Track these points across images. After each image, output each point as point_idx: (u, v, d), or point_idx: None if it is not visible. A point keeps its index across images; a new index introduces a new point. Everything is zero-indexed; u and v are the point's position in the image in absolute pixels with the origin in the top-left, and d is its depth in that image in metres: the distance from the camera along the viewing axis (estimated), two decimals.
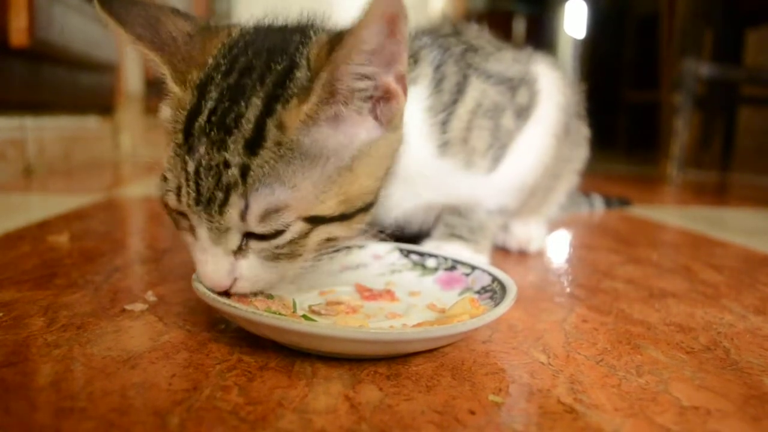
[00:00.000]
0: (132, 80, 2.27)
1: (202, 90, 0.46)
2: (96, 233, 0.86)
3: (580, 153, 0.90)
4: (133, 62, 2.28)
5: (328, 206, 0.46)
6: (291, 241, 0.46)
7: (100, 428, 0.33)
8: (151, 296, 0.56)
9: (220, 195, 0.43)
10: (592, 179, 1.01)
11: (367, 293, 0.55)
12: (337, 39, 0.44)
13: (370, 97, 0.47)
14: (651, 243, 0.99)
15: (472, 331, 0.43)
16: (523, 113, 0.71)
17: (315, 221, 0.46)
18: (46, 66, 1.54)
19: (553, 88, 0.76)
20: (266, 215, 0.44)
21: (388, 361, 0.43)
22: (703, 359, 0.46)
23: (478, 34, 0.75)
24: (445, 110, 0.64)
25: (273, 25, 0.53)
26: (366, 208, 0.49)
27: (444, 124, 0.64)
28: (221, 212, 0.44)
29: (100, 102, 2.00)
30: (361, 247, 0.62)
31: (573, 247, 0.95)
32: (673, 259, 0.85)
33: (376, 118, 0.48)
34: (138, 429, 0.33)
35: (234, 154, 0.43)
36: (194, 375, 0.40)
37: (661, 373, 0.43)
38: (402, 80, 0.48)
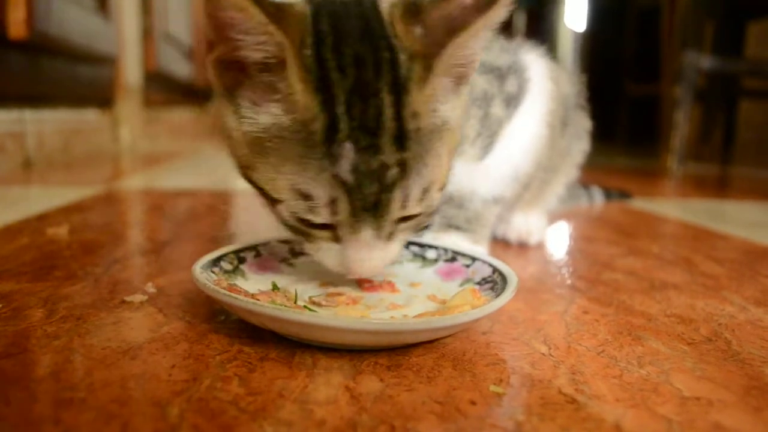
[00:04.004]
0: (131, 73, 2.27)
1: (323, 90, 0.42)
2: (95, 225, 0.86)
3: (581, 146, 0.90)
4: (132, 55, 2.27)
5: (447, 167, 0.49)
6: (429, 213, 0.49)
7: (99, 419, 0.33)
8: (150, 288, 0.56)
9: (384, 196, 0.44)
10: (592, 172, 1.01)
11: (367, 284, 0.55)
12: (415, 8, 0.44)
13: (463, 76, 0.48)
14: (651, 235, 0.99)
15: (472, 321, 0.43)
16: (512, 101, 0.71)
17: (441, 189, 0.49)
18: (45, 58, 1.54)
19: (543, 77, 0.75)
20: (421, 198, 0.46)
21: (388, 351, 0.43)
22: (704, 350, 0.46)
23: None
24: None
25: None
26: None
27: None
28: (386, 211, 0.44)
29: (100, 95, 1.99)
30: None
31: (573, 239, 0.94)
32: (673, 252, 0.84)
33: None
34: (138, 419, 0.33)
35: (390, 155, 0.43)
36: (194, 366, 0.40)
37: (662, 364, 0.43)
38: (474, 67, 0.48)
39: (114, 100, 2.11)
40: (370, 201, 0.43)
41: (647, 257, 0.79)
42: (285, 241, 0.59)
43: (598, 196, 1.29)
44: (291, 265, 0.58)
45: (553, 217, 1.00)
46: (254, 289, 0.50)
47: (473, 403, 0.36)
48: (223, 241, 0.79)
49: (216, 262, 0.51)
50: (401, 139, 0.43)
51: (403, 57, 0.43)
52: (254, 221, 0.98)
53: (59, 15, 1.52)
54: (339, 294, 0.52)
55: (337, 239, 0.47)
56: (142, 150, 2.14)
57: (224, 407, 0.34)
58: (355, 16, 0.46)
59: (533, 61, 0.76)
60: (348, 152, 0.42)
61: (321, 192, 0.43)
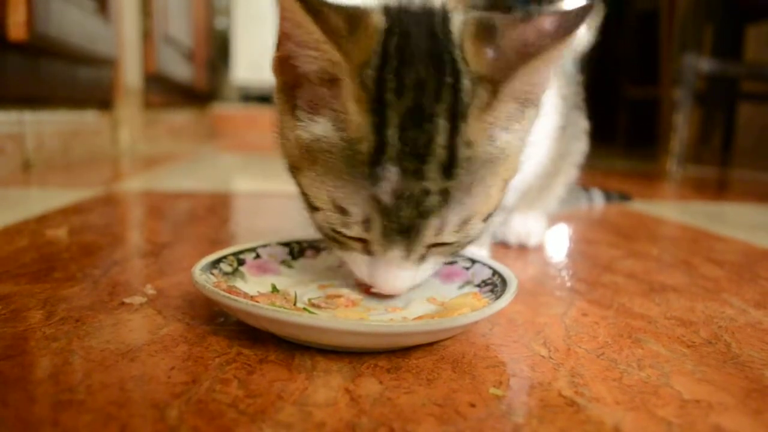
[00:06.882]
0: (131, 75, 2.26)
1: (376, 112, 0.42)
2: (95, 227, 0.86)
3: (579, 146, 0.90)
4: (132, 56, 2.27)
5: (496, 199, 0.47)
6: (469, 241, 0.48)
7: (98, 421, 0.33)
8: (150, 289, 0.56)
9: (419, 222, 0.43)
10: (592, 174, 1.01)
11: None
12: (501, 30, 0.42)
13: (531, 100, 0.45)
14: (651, 238, 0.99)
15: (472, 324, 0.43)
16: None
17: (487, 218, 0.48)
18: (44, 60, 1.53)
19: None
20: (459, 228, 0.45)
21: (388, 354, 0.43)
22: (704, 353, 0.46)
23: None
24: None
25: (410, 7, 0.46)
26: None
27: None
28: (418, 237, 0.44)
29: (99, 96, 1.99)
30: None
31: (573, 241, 0.94)
32: (673, 254, 0.84)
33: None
34: (136, 422, 0.33)
35: (433, 182, 0.42)
36: (193, 368, 0.40)
37: (662, 367, 0.43)
38: (544, 90, 0.46)
39: (114, 101, 2.11)
40: (404, 225, 0.43)
41: (647, 259, 0.79)
42: (284, 243, 0.59)
43: (598, 198, 1.29)
44: (290, 267, 0.58)
45: (552, 219, 1.00)
46: (253, 291, 0.50)
47: (473, 405, 0.36)
48: (223, 242, 0.79)
49: (215, 264, 0.51)
50: (450, 168, 0.42)
51: (466, 82, 0.42)
52: (254, 223, 0.98)
53: (59, 17, 1.52)
54: (338, 296, 0.52)
55: (368, 252, 0.47)
56: (141, 152, 2.14)
57: (223, 409, 0.34)
58: (425, 34, 0.44)
59: None
60: (390, 175, 0.42)
61: (357, 210, 0.44)
